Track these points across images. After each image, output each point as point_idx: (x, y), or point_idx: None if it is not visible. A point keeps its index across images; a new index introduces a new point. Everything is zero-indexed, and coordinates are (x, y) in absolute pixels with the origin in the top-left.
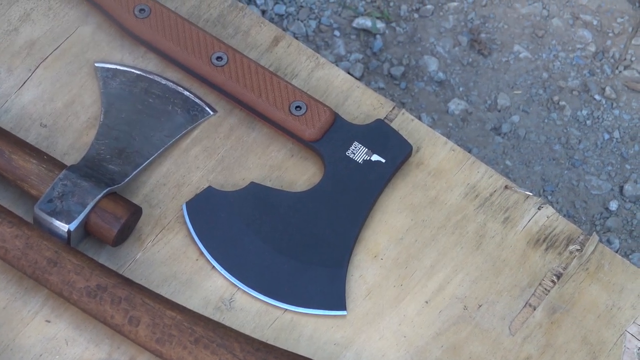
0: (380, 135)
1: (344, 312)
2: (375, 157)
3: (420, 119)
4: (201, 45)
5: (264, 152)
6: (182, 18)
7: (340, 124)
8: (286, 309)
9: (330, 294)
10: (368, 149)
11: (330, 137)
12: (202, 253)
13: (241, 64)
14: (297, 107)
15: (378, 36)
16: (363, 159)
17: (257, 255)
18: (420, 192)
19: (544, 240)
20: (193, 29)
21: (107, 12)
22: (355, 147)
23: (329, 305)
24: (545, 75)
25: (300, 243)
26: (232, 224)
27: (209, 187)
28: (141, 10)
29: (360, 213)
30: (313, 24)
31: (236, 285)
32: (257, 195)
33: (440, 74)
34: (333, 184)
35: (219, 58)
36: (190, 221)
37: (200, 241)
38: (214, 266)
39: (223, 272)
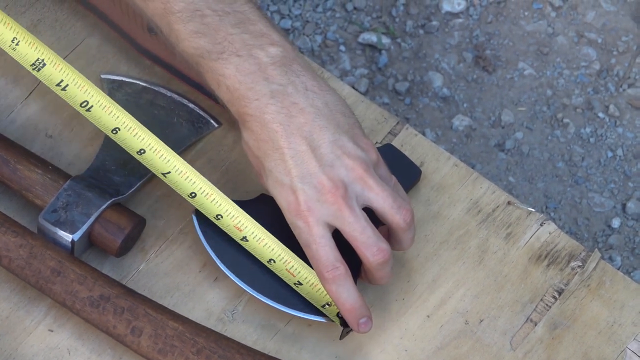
0: (389, 159)
1: None
2: None
3: (424, 134)
4: None
5: None
6: None
7: None
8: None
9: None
10: None
11: None
12: (205, 264)
13: None
14: None
15: (383, 51)
16: None
17: None
18: (422, 207)
19: (545, 256)
20: None
21: (116, 25)
22: None
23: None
24: (549, 92)
25: None
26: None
27: None
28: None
29: None
30: (319, 38)
31: (243, 293)
32: (267, 205)
33: (445, 90)
34: None
35: None
36: (199, 227)
37: (210, 247)
38: (218, 277)
39: (232, 277)
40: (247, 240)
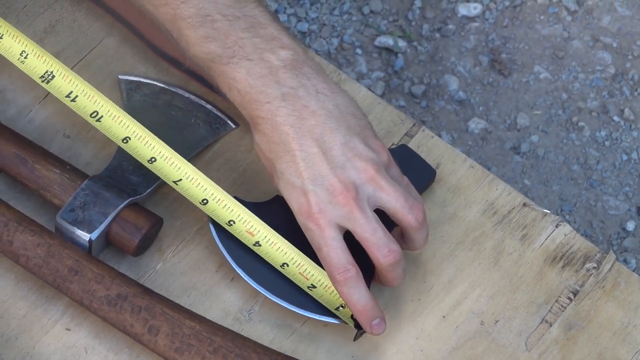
0: (404, 160)
1: None
2: None
3: (440, 137)
4: None
5: None
6: None
7: None
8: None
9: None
10: None
11: None
12: (222, 264)
13: None
14: None
15: (400, 55)
16: None
17: None
18: (439, 208)
19: (561, 258)
20: None
21: (134, 27)
22: None
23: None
24: (564, 96)
25: None
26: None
27: (235, 197)
28: None
29: None
30: (335, 41)
31: (259, 293)
32: (282, 207)
33: (461, 93)
34: None
35: None
36: (214, 229)
37: (225, 249)
38: (234, 277)
39: (247, 278)
40: (260, 245)
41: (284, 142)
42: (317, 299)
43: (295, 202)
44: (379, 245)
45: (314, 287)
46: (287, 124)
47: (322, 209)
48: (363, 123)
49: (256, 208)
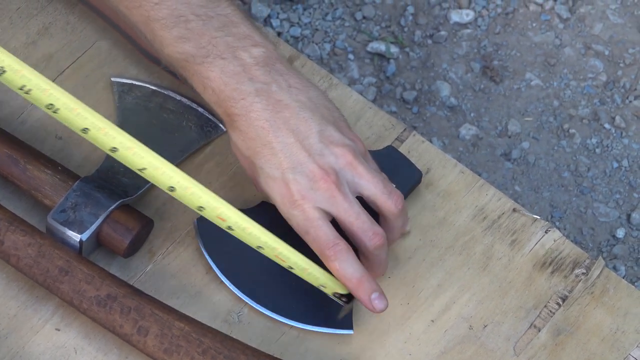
0: (391, 161)
1: (350, 332)
2: None
3: (431, 142)
4: None
5: None
6: None
7: None
8: (292, 326)
9: (337, 312)
10: None
11: None
12: (212, 267)
13: None
14: None
15: (392, 61)
16: None
17: (266, 272)
18: (429, 213)
19: (550, 263)
20: None
21: (124, 31)
22: None
23: (336, 323)
24: (556, 103)
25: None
26: (242, 241)
27: None
28: None
29: None
30: (328, 47)
31: (244, 301)
32: (268, 213)
33: (452, 100)
34: None
35: None
36: (200, 237)
37: (210, 257)
38: (222, 281)
39: (231, 287)
40: (233, 230)
41: (261, 137)
42: (303, 306)
43: (277, 194)
44: (364, 228)
45: (292, 268)
46: (262, 118)
47: (304, 195)
48: (337, 115)
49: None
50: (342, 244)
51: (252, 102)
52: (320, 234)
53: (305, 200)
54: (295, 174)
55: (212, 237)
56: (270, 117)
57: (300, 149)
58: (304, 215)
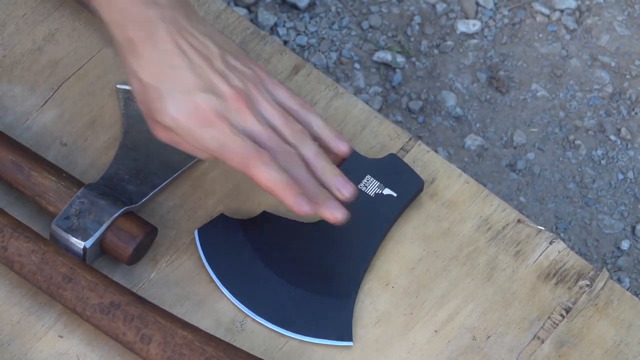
0: (392, 169)
1: (349, 344)
2: (387, 191)
3: (436, 152)
4: None
5: None
6: None
7: (354, 157)
8: (292, 338)
9: (336, 324)
10: (380, 183)
11: (343, 169)
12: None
13: None
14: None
15: (398, 70)
16: (375, 193)
17: (266, 283)
18: (433, 223)
19: (554, 275)
20: None
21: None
22: (368, 181)
23: (335, 335)
24: (561, 114)
25: (309, 273)
26: (243, 252)
27: (221, 214)
28: None
29: (371, 246)
30: (334, 55)
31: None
32: (269, 224)
33: (458, 110)
34: None
35: None
36: (201, 247)
37: (210, 267)
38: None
39: (232, 298)
40: None
41: (168, 60)
42: (305, 320)
43: (188, 116)
44: (278, 145)
45: None
46: (169, 41)
47: (217, 112)
48: (234, 46)
49: (243, 225)
50: (264, 152)
51: (158, 26)
52: (241, 146)
53: (220, 118)
54: (207, 93)
55: (213, 247)
56: (176, 40)
57: (210, 70)
58: (221, 131)
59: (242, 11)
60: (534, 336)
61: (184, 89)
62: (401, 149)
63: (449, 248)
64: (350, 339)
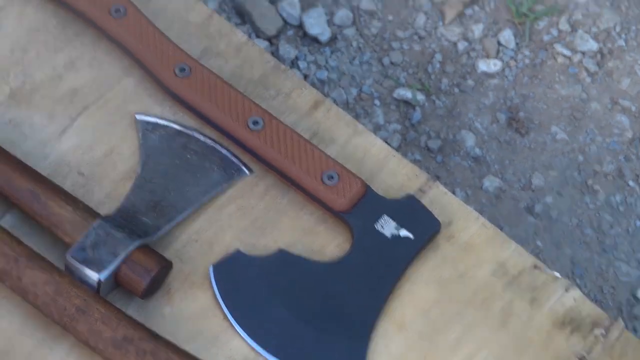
0: (410, 210)
1: None
2: (403, 233)
3: (454, 193)
4: (238, 108)
5: (297, 215)
6: (221, 79)
7: (371, 197)
8: None
9: None
10: (397, 224)
11: (360, 209)
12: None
13: (277, 130)
14: (329, 176)
15: (417, 108)
16: (391, 234)
17: (280, 322)
18: (449, 266)
19: (569, 323)
20: (232, 92)
21: (148, 68)
22: (385, 221)
23: None
24: (580, 158)
25: (324, 313)
26: (257, 290)
27: (237, 250)
28: (181, 69)
29: (386, 287)
30: (354, 91)
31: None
32: (284, 262)
33: (477, 150)
34: (360, 257)
35: (255, 122)
36: (216, 283)
37: (225, 304)
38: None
39: (245, 336)
40: None
41: None
42: None
43: None
44: None
45: None
46: None
47: None
48: None
49: (258, 262)
50: None
51: None
52: None
53: None
54: None
55: (227, 284)
56: None
57: None
58: None
59: (264, 44)
60: None
61: None
62: (419, 189)
63: (464, 292)
64: None
